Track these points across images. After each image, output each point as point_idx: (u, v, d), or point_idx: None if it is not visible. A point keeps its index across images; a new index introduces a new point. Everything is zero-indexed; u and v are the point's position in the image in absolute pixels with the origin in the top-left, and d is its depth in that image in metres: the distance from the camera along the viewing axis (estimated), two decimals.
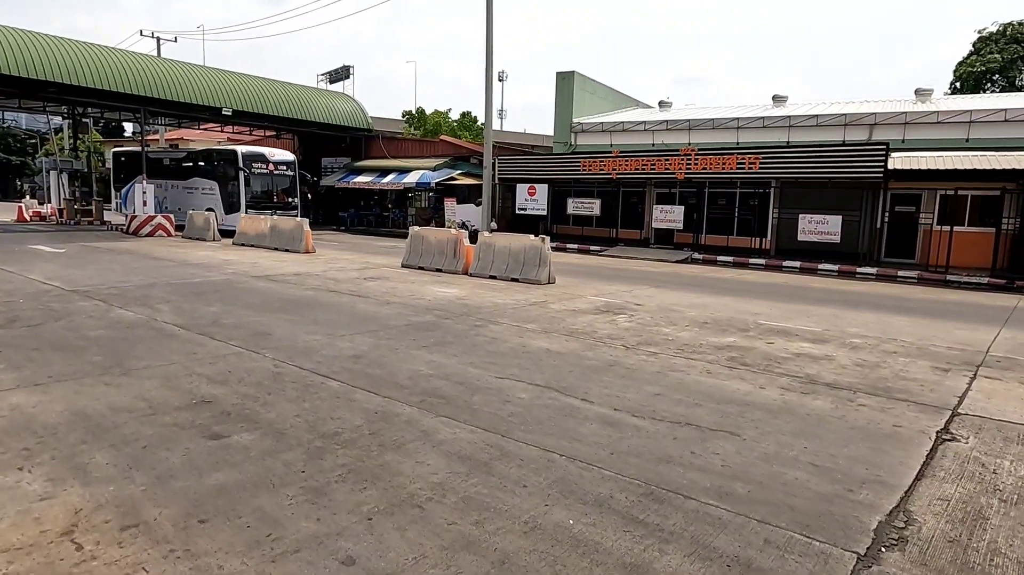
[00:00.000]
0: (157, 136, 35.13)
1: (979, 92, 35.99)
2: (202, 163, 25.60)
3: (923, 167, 17.36)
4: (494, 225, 23.64)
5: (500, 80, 60.01)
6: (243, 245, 19.67)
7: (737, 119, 26.34)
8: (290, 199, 25.09)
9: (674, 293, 12.62)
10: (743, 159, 19.35)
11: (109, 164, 29.99)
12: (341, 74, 59.51)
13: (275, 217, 19.79)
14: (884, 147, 16.92)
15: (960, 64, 40.55)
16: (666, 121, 27.88)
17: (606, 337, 8.06)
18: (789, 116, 25.14)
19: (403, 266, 15.22)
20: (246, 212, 22.29)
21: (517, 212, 25.08)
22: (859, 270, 17.43)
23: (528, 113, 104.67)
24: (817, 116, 24.59)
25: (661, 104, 33.93)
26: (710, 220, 21.31)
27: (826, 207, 18.16)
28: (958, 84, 39.09)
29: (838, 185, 18.21)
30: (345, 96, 32.55)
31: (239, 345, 7.00)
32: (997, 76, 38.55)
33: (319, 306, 9.61)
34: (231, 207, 23.62)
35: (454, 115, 56.98)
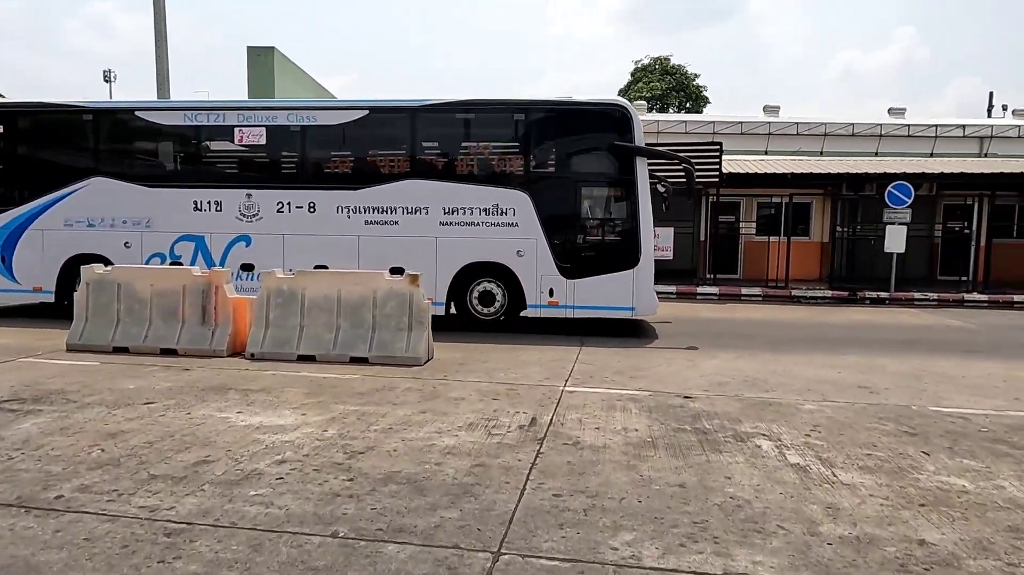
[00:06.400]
0: None
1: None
2: (469, 136, 9.51)
3: (751, 171, 15.62)
4: None
5: (107, 81, 46.31)
6: None
7: None
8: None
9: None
10: None
11: None
12: None
13: None
14: (718, 147, 14.66)
15: (624, 92, 44.15)
16: None
17: None
18: None
19: (72, 349, 7.13)
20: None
21: None
22: (699, 290, 14.88)
23: None
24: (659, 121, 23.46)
25: None
26: None
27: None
28: None
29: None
30: None
31: None
32: (656, 103, 42.82)
33: None
34: (611, 262, 8.87)
35: None
